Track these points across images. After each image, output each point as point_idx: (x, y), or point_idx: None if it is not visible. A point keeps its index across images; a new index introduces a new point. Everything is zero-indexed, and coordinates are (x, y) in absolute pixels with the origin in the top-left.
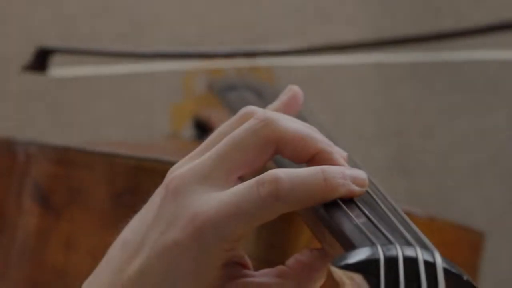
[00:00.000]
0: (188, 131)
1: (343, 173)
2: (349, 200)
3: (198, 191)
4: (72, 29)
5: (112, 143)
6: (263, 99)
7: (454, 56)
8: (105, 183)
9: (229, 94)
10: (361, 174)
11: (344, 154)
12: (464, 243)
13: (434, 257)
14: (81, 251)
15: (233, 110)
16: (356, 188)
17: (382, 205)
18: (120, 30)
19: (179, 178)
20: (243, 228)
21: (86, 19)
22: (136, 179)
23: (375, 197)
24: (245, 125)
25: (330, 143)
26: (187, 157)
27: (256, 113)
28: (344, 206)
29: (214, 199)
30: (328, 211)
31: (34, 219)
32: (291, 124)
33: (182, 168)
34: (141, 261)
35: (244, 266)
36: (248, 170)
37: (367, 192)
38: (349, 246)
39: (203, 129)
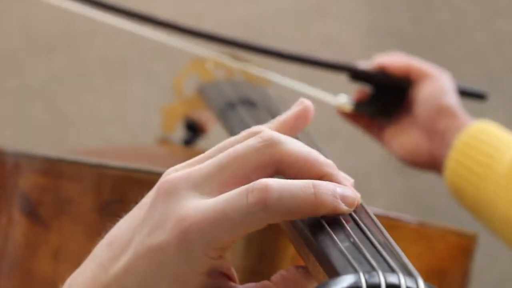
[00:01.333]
0: (179, 133)
1: (334, 190)
2: (335, 222)
3: (189, 197)
4: (70, 26)
5: (101, 151)
6: (254, 106)
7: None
8: (92, 194)
9: (223, 108)
10: (352, 193)
11: (350, 180)
12: (455, 248)
13: (417, 284)
14: (70, 261)
15: (229, 128)
16: (343, 207)
17: (368, 228)
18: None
19: (172, 182)
20: (229, 235)
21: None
22: (123, 190)
23: (361, 219)
24: (248, 142)
25: (334, 166)
26: (185, 163)
27: (262, 132)
28: (329, 229)
29: (203, 205)
30: (313, 233)
31: (22, 230)
32: (296, 147)
33: (177, 173)
34: (126, 261)
35: (230, 278)
36: (243, 185)
37: (354, 214)
38: (332, 272)
39: (194, 131)
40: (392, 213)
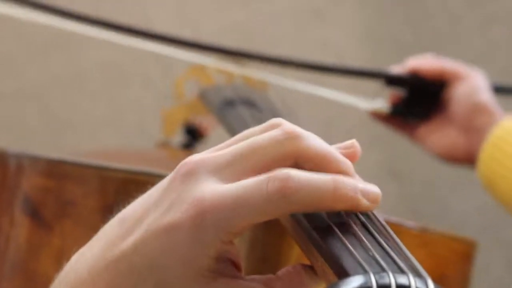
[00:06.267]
0: (179, 137)
1: (355, 185)
2: (343, 225)
3: (208, 180)
4: (64, 31)
5: (103, 153)
6: (256, 109)
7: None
8: (96, 196)
9: (224, 108)
10: (374, 189)
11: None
12: (456, 254)
13: (427, 285)
14: None
15: (230, 129)
16: (365, 202)
17: (376, 230)
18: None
19: (192, 164)
20: (246, 221)
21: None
22: (127, 192)
23: (369, 221)
24: (271, 133)
25: (351, 165)
26: (206, 151)
27: (283, 124)
28: (338, 231)
29: (221, 188)
30: (321, 236)
31: (25, 231)
32: (315, 142)
33: (198, 156)
34: (136, 238)
35: (236, 266)
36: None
37: (362, 217)
38: (342, 273)
39: (193, 136)
40: (394, 219)
